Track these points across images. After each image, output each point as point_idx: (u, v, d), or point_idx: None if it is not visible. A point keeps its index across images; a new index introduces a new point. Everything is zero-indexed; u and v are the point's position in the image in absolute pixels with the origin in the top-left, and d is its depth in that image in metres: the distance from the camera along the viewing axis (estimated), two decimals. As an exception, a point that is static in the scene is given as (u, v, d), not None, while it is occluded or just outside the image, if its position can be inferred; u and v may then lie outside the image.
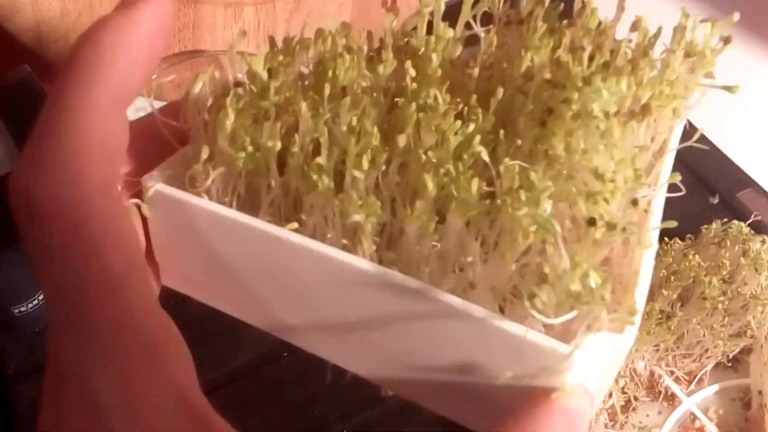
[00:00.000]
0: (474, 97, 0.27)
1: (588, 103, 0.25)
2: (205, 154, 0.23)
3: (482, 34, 0.31)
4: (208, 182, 0.23)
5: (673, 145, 0.32)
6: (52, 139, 0.21)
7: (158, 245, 0.26)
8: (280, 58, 0.25)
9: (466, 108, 0.26)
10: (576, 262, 0.23)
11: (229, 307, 0.27)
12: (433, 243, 0.26)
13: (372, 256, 0.24)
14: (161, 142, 0.25)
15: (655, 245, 0.27)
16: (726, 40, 0.33)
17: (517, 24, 0.32)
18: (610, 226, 0.24)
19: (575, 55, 0.29)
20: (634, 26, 0.32)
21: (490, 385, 0.24)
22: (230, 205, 0.24)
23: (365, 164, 0.22)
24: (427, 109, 0.24)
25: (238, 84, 0.25)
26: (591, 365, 0.24)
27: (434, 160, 0.23)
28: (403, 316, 0.24)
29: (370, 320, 0.24)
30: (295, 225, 0.24)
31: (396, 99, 0.27)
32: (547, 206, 0.23)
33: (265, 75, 0.23)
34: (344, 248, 0.24)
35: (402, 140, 0.23)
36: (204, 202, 0.23)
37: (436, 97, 0.24)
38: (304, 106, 0.23)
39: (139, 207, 0.24)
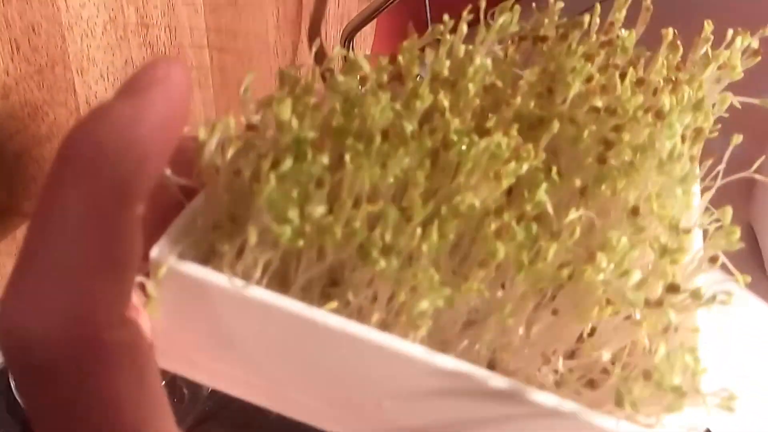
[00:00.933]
0: (515, 128, 0.23)
1: (659, 138, 0.22)
2: (253, 237, 0.18)
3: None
4: (259, 268, 0.18)
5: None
6: (43, 259, 0.17)
7: (161, 327, 0.21)
8: (306, 99, 0.20)
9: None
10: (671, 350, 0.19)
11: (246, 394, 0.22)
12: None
13: (424, 340, 0.20)
14: (162, 198, 0.20)
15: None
16: (756, 53, 0.31)
17: (539, 41, 0.28)
18: (696, 295, 0.20)
19: (613, 76, 0.26)
20: (671, 45, 0.29)
21: None
22: (258, 283, 0.19)
23: (435, 237, 0.18)
24: (486, 154, 0.20)
25: (250, 127, 0.21)
26: None
27: (511, 223, 0.19)
28: (481, 417, 0.20)
29: (437, 423, 0.20)
30: (335, 304, 0.19)
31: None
32: (637, 276, 0.20)
33: (295, 123, 0.19)
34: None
35: (467, 199, 0.19)
36: (234, 285, 0.19)
37: (499, 145, 0.20)
38: (349, 159, 0.18)
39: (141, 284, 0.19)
